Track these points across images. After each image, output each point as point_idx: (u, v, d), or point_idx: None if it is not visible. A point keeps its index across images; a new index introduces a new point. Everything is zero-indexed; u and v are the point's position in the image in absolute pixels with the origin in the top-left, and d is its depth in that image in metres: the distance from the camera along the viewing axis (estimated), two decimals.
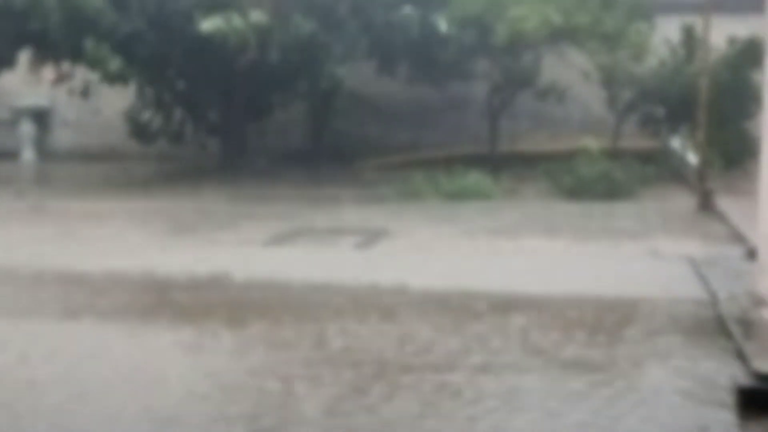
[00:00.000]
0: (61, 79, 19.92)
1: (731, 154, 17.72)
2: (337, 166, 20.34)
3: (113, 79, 18.35)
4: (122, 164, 21.58)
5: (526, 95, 19.96)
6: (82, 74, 19.62)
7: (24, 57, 19.17)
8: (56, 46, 18.06)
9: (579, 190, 15.82)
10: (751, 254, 9.82)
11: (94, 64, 17.91)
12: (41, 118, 23.78)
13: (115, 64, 17.64)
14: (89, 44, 17.42)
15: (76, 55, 18.29)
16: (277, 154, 21.46)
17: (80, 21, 17.09)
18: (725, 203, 13.96)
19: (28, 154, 23.17)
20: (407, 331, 7.32)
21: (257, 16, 16.79)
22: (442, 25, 18.06)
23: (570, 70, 19.34)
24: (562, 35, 17.80)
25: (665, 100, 18.97)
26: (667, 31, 19.11)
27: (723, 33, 18.17)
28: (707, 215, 13.88)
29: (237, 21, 16.52)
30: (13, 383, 6.01)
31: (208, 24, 16.53)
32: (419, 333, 7.25)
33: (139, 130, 20.78)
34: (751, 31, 17.34)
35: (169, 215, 14.34)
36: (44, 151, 23.43)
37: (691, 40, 18.47)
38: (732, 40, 18.56)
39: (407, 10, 17.83)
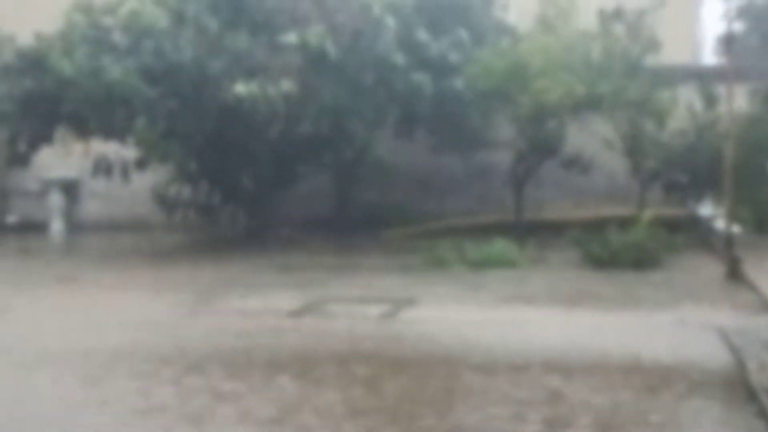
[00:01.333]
0: (96, 165, 20.24)
1: (761, 219, 17.62)
2: (363, 235, 20.41)
3: (160, 159, 18.61)
4: (150, 235, 21.77)
5: (551, 163, 20.03)
6: (113, 149, 19.92)
7: (57, 131, 19.49)
8: (89, 123, 18.37)
9: (606, 259, 15.73)
10: None
11: (143, 143, 18.11)
12: (70, 189, 24.12)
13: (164, 145, 17.88)
14: (139, 124, 17.59)
15: (109, 132, 18.58)
16: (302, 223, 21.58)
17: (113, 102, 17.35)
18: (754, 271, 13.84)
19: (57, 225, 23.44)
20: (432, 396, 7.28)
21: (287, 85, 17.03)
22: (459, 84, 18.22)
23: (594, 139, 19.40)
24: (585, 104, 17.89)
25: (690, 167, 18.96)
26: (689, 98, 19.20)
27: (745, 98, 18.25)
28: (736, 283, 13.75)
29: (270, 88, 16.79)
30: None
31: (242, 87, 16.76)
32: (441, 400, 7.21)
33: (168, 204, 21.00)
34: None
35: (195, 284, 14.40)
36: (73, 222, 23.71)
37: (712, 105, 18.52)
38: (753, 93, 18.59)
39: (423, 76, 17.94)
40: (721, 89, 16.31)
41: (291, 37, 17.04)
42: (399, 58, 17.56)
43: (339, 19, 17.54)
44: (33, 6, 26.10)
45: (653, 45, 18.52)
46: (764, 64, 24.84)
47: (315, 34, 17.01)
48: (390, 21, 17.36)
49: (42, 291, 14.26)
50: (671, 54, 20.21)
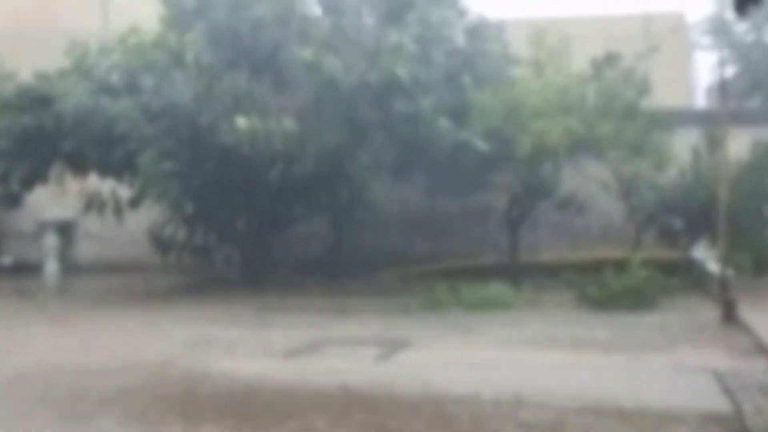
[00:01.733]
0: (89, 200, 20.19)
1: (755, 263, 17.64)
2: (359, 276, 20.38)
3: (157, 196, 18.54)
4: (145, 276, 21.70)
5: (547, 206, 20.06)
6: (108, 187, 19.92)
7: (52, 171, 19.51)
8: (86, 160, 18.37)
9: (602, 301, 15.73)
10: None
11: (145, 177, 17.96)
12: (65, 230, 24.04)
13: (164, 183, 17.75)
14: (145, 158, 17.40)
15: (105, 169, 18.58)
16: (298, 265, 21.56)
17: (110, 140, 17.39)
18: (749, 314, 13.83)
19: (51, 267, 23.32)
20: None
21: (288, 123, 16.98)
22: (480, 145, 17.86)
23: (589, 181, 19.47)
24: (583, 146, 17.95)
25: (685, 210, 19.00)
26: (687, 141, 19.29)
27: (742, 143, 18.34)
28: (731, 327, 13.74)
29: (270, 123, 16.70)
30: None
31: (243, 121, 16.67)
32: None
33: (163, 245, 20.96)
34: None
35: (189, 326, 14.34)
36: (68, 264, 23.60)
37: (711, 148, 18.55)
38: (756, 143, 18.68)
39: (442, 122, 17.78)
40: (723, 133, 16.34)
41: (306, 53, 16.92)
42: (403, 104, 17.48)
43: (347, 60, 17.47)
44: (33, 45, 26.30)
45: (646, 89, 18.64)
46: (759, 109, 25.02)
47: (328, 61, 16.92)
48: (402, 72, 17.25)
49: (35, 334, 14.19)
50: (665, 98, 20.39)
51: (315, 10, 18.52)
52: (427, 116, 17.58)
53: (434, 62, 18.26)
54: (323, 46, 17.29)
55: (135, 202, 19.35)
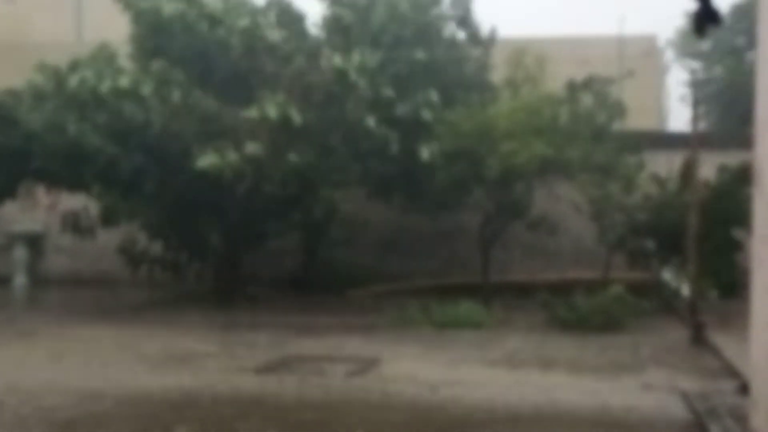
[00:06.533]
0: (65, 222, 20.17)
1: (724, 286, 17.78)
2: (329, 294, 20.37)
3: (126, 217, 18.57)
4: (114, 290, 21.59)
5: (518, 226, 20.15)
6: (79, 202, 19.83)
7: (22, 185, 19.39)
8: (56, 177, 18.30)
9: (573, 322, 15.80)
10: (744, 389, 9.77)
11: (103, 204, 18.08)
12: (35, 243, 23.91)
13: (127, 204, 17.84)
14: (96, 189, 17.64)
15: (75, 186, 18.51)
16: (269, 282, 21.52)
17: (79, 157, 17.36)
18: (718, 336, 13.94)
19: (20, 279, 23.19)
20: None
21: (252, 147, 16.97)
22: (425, 153, 18.06)
23: (561, 202, 19.60)
24: (552, 168, 18.05)
25: (655, 233, 19.13)
26: (655, 165, 19.47)
27: (711, 167, 18.50)
28: (700, 348, 13.84)
29: (232, 156, 16.67)
30: None
31: (203, 161, 16.65)
32: None
33: (133, 260, 20.88)
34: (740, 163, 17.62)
35: (159, 341, 14.25)
36: (37, 276, 23.46)
37: (683, 173, 18.67)
38: (722, 168, 18.84)
39: (389, 133, 17.90)
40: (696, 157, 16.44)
41: (252, 112, 16.97)
42: (370, 121, 17.57)
43: (312, 78, 17.58)
44: (4, 58, 26.17)
45: (619, 111, 18.79)
46: (729, 133, 25.27)
47: (277, 104, 16.93)
48: (363, 83, 17.41)
49: (1, 347, 14.06)
50: (637, 120, 20.57)
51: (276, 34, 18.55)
52: (371, 128, 17.65)
53: (396, 76, 18.39)
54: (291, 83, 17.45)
55: (107, 221, 19.32)
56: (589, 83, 18.70)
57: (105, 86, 17.03)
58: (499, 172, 17.63)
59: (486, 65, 20.45)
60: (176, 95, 17.20)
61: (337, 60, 17.21)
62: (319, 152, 17.88)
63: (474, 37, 20.24)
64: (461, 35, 20.24)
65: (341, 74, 17.24)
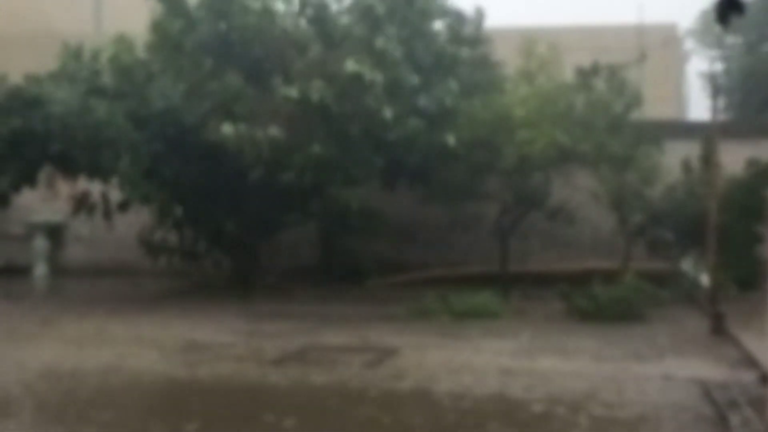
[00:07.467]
0: (79, 202, 20.07)
1: (744, 278, 17.66)
2: (348, 284, 20.39)
3: (142, 200, 18.59)
4: (134, 280, 21.68)
5: (537, 215, 20.09)
6: (98, 190, 19.85)
7: (42, 174, 19.42)
8: (75, 163, 18.33)
9: (591, 312, 15.72)
10: (764, 379, 9.73)
11: (125, 185, 18.11)
12: (55, 233, 24.01)
13: (147, 186, 17.89)
14: (123, 164, 17.59)
15: (94, 172, 18.54)
16: (288, 271, 21.55)
17: (101, 139, 17.39)
18: (738, 327, 13.86)
19: (40, 269, 23.31)
20: None
21: (274, 131, 17.03)
22: (450, 140, 18.10)
23: (580, 192, 19.51)
24: (570, 158, 17.96)
25: (675, 224, 19.00)
26: (678, 155, 19.30)
27: (735, 157, 18.33)
28: (719, 339, 13.76)
29: (258, 132, 16.77)
30: None
31: (229, 128, 16.73)
32: None
33: (152, 249, 20.92)
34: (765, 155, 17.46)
35: (178, 331, 14.32)
36: (57, 267, 23.58)
37: (703, 163, 18.52)
38: (752, 162, 18.67)
39: (415, 122, 17.90)
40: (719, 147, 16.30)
41: (292, 92, 16.99)
42: (387, 112, 17.54)
43: (329, 70, 17.58)
44: (25, 48, 26.29)
45: (637, 101, 18.63)
46: (750, 122, 25.09)
47: (317, 89, 16.98)
48: (379, 78, 17.36)
49: (23, 336, 14.15)
50: (657, 110, 20.42)
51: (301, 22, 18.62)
52: (399, 118, 17.63)
53: (419, 65, 18.36)
54: (310, 70, 17.42)
55: (123, 206, 19.32)
56: (598, 69, 18.52)
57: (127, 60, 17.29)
58: (516, 160, 17.56)
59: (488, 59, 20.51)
60: (198, 79, 17.33)
61: (351, 64, 17.19)
62: (339, 143, 17.86)
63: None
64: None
65: (356, 77, 17.21)
